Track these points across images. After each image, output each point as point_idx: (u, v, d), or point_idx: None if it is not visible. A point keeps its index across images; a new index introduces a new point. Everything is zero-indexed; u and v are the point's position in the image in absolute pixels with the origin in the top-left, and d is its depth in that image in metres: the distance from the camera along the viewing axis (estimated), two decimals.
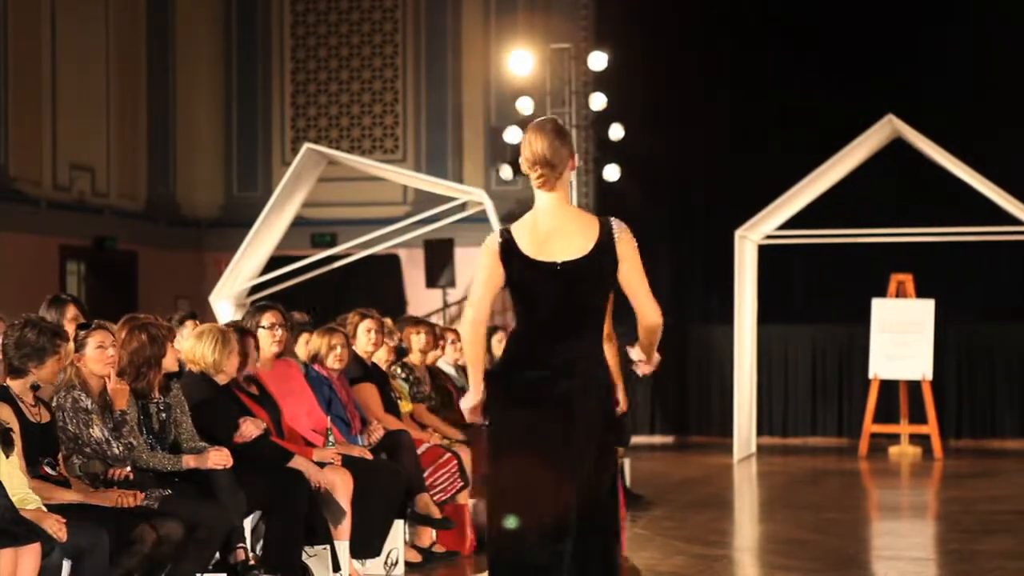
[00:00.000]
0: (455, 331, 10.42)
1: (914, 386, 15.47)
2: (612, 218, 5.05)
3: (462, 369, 10.39)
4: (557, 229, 5.01)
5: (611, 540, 4.88)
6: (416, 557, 8.30)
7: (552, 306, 4.95)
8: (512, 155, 18.02)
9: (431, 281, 18.58)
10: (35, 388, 6.01)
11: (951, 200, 15.88)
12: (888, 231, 15.83)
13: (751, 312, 15.49)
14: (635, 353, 5.05)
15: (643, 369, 5.09)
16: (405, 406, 9.17)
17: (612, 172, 17.98)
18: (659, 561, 8.86)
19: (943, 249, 16.81)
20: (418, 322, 9.69)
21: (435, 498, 8.50)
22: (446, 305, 18.64)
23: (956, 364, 16.24)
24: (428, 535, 8.50)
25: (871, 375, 15.51)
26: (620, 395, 5.04)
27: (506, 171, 17.49)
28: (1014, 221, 15.04)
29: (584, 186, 18.46)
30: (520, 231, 5.02)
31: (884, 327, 15.51)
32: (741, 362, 14.89)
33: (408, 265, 19.09)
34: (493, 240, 5.01)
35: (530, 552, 4.78)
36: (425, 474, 8.54)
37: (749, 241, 15.35)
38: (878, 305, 15.63)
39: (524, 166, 5.11)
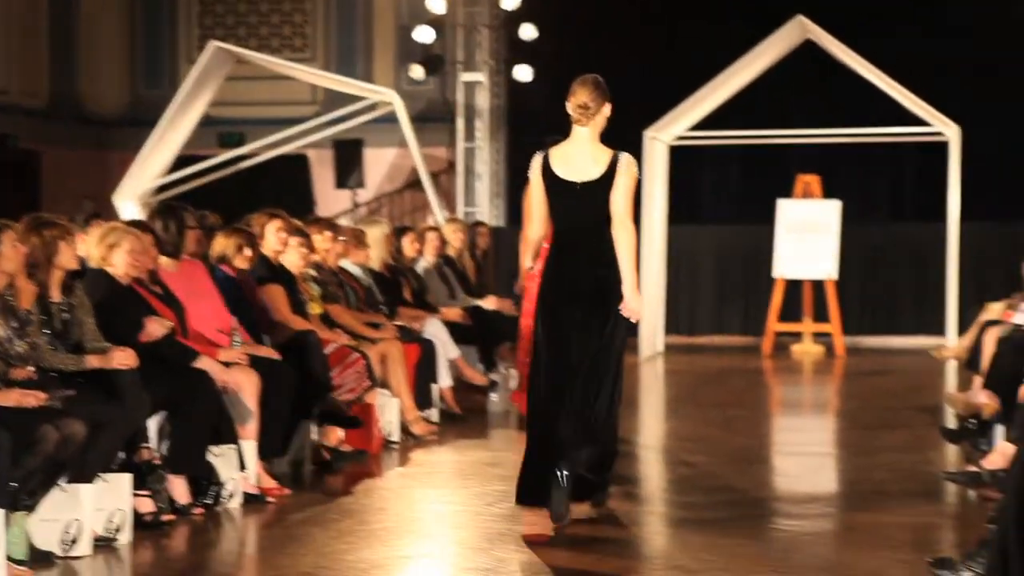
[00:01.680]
0: (363, 231, 10.38)
1: (818, 286, 15.70)
2: (622, 153, 6.68)
3: (370, 271, 10.39)
4: (581, 157, 6.67)
5: (616, 388, 6.63)
6: (324, 456, 8.34)
7: (572, 214, 6.64)
8: (423, 55, 17.88)
9: (341, 182, 18.47)
10: None
11: (859, 101, 16.03)
12: (795, 132, 15.96)
13: (660, 213, 15.58)
14: (627, 302, 6.51)
15: (628, 314, 6.55)
16: (315, 308, 9.14)
17: (524, 72, 17.90)
18: None
19: (849, 150, 17.00)
20: (318, 222, 9.63)
21: (343, 397, 8.52)
22: (356, 206, 18.56)
23: (859, 264, 16.46)
24: (336, 434, 8.53)
25: (776, 275, 15.70)
26: (631, 286, 6.53)
27: (417, 71, 17.35)
28: (920, 122, 15.23)
29: (496, 86, 18.36)
30: (555, 154, 6.70)
31: (790, 228, 15.68)
32: (649, 263, 15.00)
33: (317, 166, 18.95)
34: (536, 160, 6.69)
35: (552, 384, 6.53)
36: (333, 374, 8.56)
37: (659, 142, 15.39)
38: (784, 206, 15.79)
39: (568, 107, 6.69)
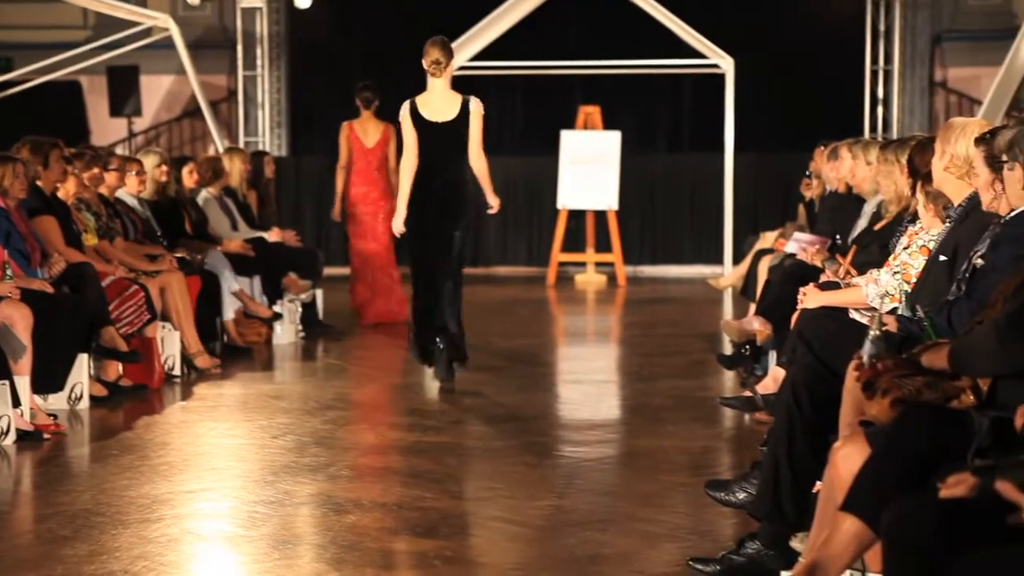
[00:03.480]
0: (138, 161, 10.11)
1: (600, 216, 15.94)
2: (471, 97, 8.53)
3: (148, 202, 10.15)
4: (440, 102, 8.53)
5: (459, 277, 8.71)
6: (102, 391, 8.15)
7: (436, 147, 8.49)
8: None
9: (116, 110, 17.91)
10: None
11: (638, 34, 16.25)
12: (576, 63, 16.11)
13: None
14: (491, 204, 8.75)
15: (494, 210, 8.84)
16: (90, 239, 8.89)
17: None
18: (352, 390, 8.95)
19: (629, 82, 17.24)
20: (80, 155, 9.25)
21: (121, 331, 8.34)
22: (132, 134, 18.04)
23: (640, 195, 16.75)
24: (114, 368, 8.35)
25: (559, 206, 15.88)
26: (491, 192, 8.65)
27: None
28: (696, 55, 15.52)
29: (275, 13, 18.02)
30: (420, 101, 8.55)
31: (572, 159, 15.85)
32: None
33: (90, 93, 18.32)
34: (406, 106, 8.52)
35: (426, 275, 8.63)
36: (111, 307, 8.35)
37: None
38: (566, 137, 15.94)
39: (424, 63, 8.53)
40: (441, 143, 8.50)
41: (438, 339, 8.61)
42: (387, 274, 11.89)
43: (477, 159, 8.53)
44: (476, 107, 8.49)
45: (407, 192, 8.54)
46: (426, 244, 8.59)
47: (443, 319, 8.60)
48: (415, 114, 8.52)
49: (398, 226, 8.62)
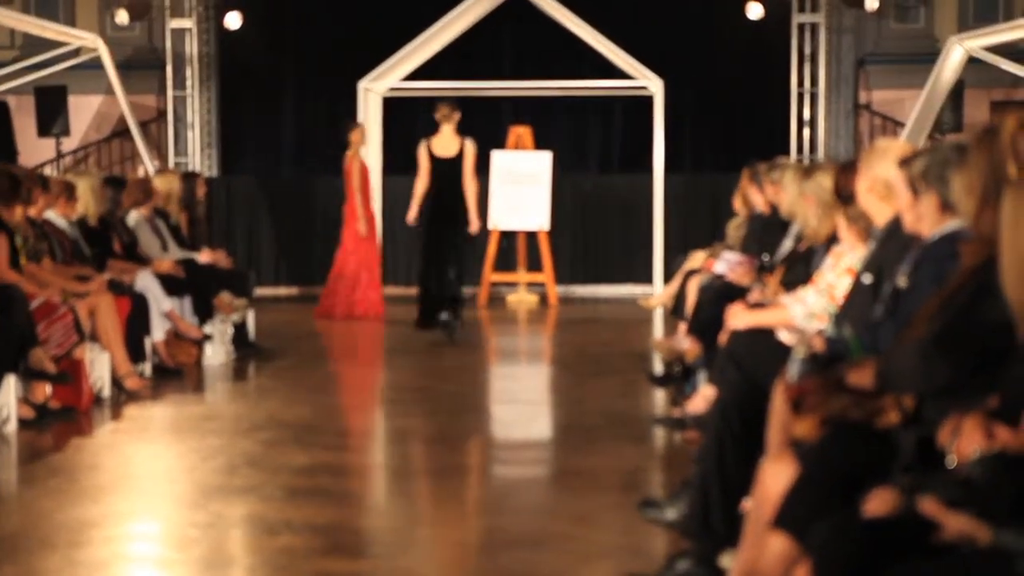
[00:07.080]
0: (68, 183, 10.03)
1: (531, 236, 15.99)
2: (467, 138, 12.12)
3: (77, 223, 10.08)
4: (446, 142, 12.12)
5: (459, 270, 12.38)
6: (30, 413, 8.06)
7: (443, 175, 12.10)
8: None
9: (43, 130, 17.74)
10: None
11: (569, 54, 16.35)
12: (507, 84, 16.17)
13: (376, 164, 15.58)
14: (472, 224, 12.24)
15: (474, 229, 12.34)
16: (21, 260, 8.82)
17: (234, 20, 17.58)
18: (282, 410, 8.92)
19: (560, 102, 17.34)
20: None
21: (50, 353, 8.26)
22: (60, 155, 17.88)
23: (570, 215, 16.82)
24: (43, 390, 8.26)
25: (491, 226, 15.91)
26: (474, 215, 12.26)
27: (122, 16, 16.80)
28: (626, 76, 15.65)
29: (205, 34, 17.96)
30: (433, 141, 12.15)
31: (503, 179, 15.89)
32: None
33: (18, 113, 18.13)
34: (423, 144, 12.15)
35: (427, 269, 12.43)
36: (39, 328, 8.28)
37: (373, 93, 15.37)
38: (497, 157, 15.99)
39: (437, 116, 12.20)
40: (446, 172, 12.07)
41: (441, 312, 11.99)
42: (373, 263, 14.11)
43: (469, 183, 12.16)
44: (470, 147, 12.15)
45: (419, 201, 12.26)
46: (432, 243, 12.20)
47: (448, 291, 12.15)
48: (429, 151, 12.16)
49: (411, 219, 12.40)
